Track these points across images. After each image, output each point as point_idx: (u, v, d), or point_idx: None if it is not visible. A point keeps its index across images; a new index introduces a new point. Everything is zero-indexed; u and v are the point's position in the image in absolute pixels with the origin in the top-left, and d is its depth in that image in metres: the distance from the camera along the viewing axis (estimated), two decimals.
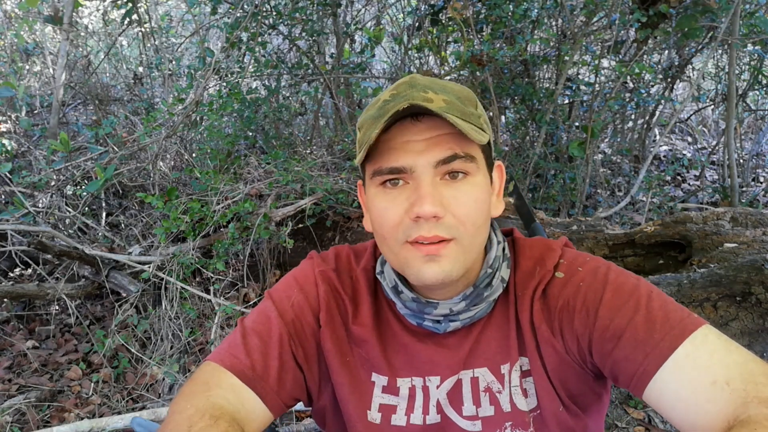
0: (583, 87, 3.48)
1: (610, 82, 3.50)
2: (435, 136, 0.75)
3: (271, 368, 0.83)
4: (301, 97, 4.17)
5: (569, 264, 0.84)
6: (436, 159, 0.75)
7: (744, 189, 3.43)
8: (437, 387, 0.85)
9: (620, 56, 3.66)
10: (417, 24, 3.98)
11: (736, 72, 3.36)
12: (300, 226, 2.91)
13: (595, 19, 3.60)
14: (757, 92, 3.69)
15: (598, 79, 3.44)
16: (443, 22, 3.80)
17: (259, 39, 3.60)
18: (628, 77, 3.50)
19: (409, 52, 4.08)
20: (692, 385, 0.68)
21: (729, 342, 0.71)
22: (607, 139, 3.73)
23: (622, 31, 3.63)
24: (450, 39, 4.01)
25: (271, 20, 3.66)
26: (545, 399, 0.82)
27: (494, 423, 0.83)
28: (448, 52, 3.92)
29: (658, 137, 3.84)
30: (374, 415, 0.86)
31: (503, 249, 0.87)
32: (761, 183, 3.60)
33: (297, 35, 3.98)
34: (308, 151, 3.68)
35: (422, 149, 0.75)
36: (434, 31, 3.85)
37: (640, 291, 0.76)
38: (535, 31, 3.77)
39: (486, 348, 0.85)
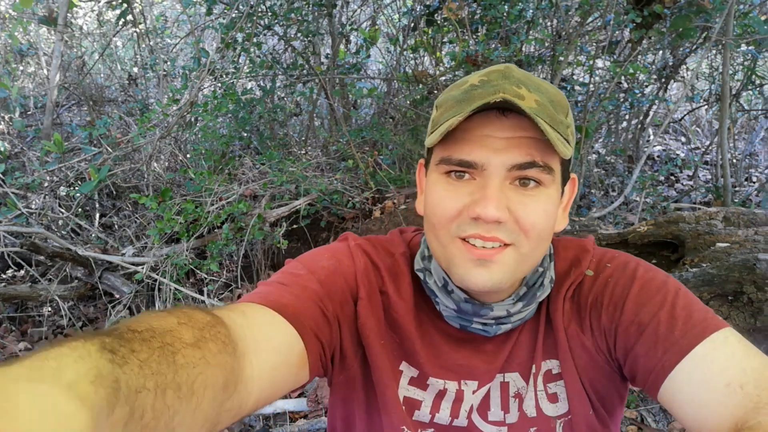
0: (577, 87, 3.49)
1: (605, 83, 3.51)
2: (517, 137, 0.69)
3: (308, 309, 0.73)
4: (296, 97, 4.17)
5: (598, 261, 0.82)
6: (513, 162, 0.69)
7: (737, 189, 3.44)
8: (473, 392, 0.82)
9: (615, 56, 3.66)
10: (412, 24, 3.98)
11: (730, 72, 3.37)
12: (294, 226, 2.91)
13: (590, 20, 3.60)
14: (751, 92, 3.70)
15: (592, 79, 3.45)
16: (438, 22, 3.81)
17: (254, 40, 3.60)
18: (623, 77, 3.51)
19: (405, 53, 4.08)
20: (706, 385, 0.66)
21: (749, 347, 0.69)
22: (601, 140, 3.73)
23: (617, 32, 3.63)
24: (445, 39, 4.00)
25: (266, 21, 3.66)
26: (576, 402, 0.80)
27: (519, 428, 0.81)
28: (443, 52, 3.92)
29: (651, 137, 3.85)
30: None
31: (548, 248, 0.83)
32: (754, 183, 3.62)
33: (292, 36, 3.98)
34: (303, 152, 3.68)
35: (500, 148, 0.69)
36: (429, 32, 3.85)
37: (667, 287, 0.75)
38: (530, 32, 3.77)
39: (519, 352, 0.82)
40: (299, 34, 3.92)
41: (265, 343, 0.65)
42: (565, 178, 0.78)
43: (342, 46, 4.28)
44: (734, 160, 3.61)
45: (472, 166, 0.70)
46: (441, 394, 0.81)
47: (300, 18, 3.79)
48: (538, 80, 0.74)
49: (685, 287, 0.77)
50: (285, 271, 0.80)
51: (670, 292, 0.74)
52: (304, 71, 3.95)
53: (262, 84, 4.16)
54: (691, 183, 3.77)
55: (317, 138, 4.04)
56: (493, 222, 0.69)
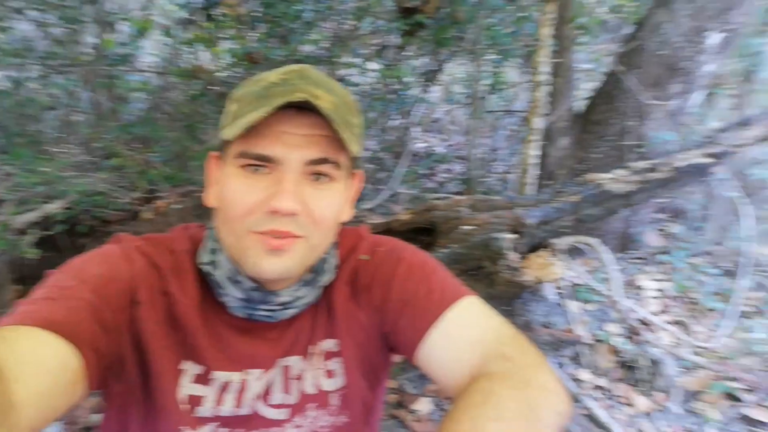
0: (352, 88, 3.69)
1: (377, 84, 3.78)
2: (313, 134, 0.74)
3: (83, 321, 0.69)
4: (54, 90, 3.70)
5: (372, 247, 0.92)
6: (308, 158, 0.74)
7: (483, 180, 4.01)
8: (257, 380, 0.84)
9: (385, 60, 3.96)
10: (190, 17, 3.83)
11: (479, 78, 3.88)
12: (47, 233, 2.60)
13: (364, 25, 3.82)
14: (496, 95, 4.32)
15: (365, 80, 3.68)
16: (216, 17, 3.71)
17: (1, 24, 3.12)
18: (391, 79, 3.82)
19: (181, 46, 3.89)
20: (453, 345, 0.78)
21: (489, 310, 0.83)
22: (376, 137, 4.03)
23: (387, 37, 3.93)
24: (224, 35, 3.91)
25: (17, 3, 3.19)
26: (352, 376, 0.87)
27: (299, 407, 0.86)
28: (222, 48, 3.83)
29: (414, 135, 4.29)
30: (182, 407, 0.81)
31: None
32: (496, 174, 4.26)
33: (50, 22, 3.53)
34: (60, 150, 3.28)
35: (297, 144, 0.74)
36: (208, 26, 3.73)
37: (426, 267, 0.88)
38: (309, 33, 3.87)
39: (301, 336, 0.87)
40: (60, 20, 3.48)
41: (33, 366, 0.62)
42: (352, 174, 0.86)
43: (109, 35, 3.91)
44: (482, 155, 4.18)
45: (270, 160, 0.74)
46: (225, 387, 0.83)
47: (59, 2, 3.37)
48: (332, 82, 0.80)
49: (443, 267, 0.90)
50: (50, 284, 0.74)
51: (428, 272, 0.87)
52: (65, 61, 3.53)
53: (12, 75, 3.60)
54: (448, 175, 4.29)
55: (78, 134, 3.64)
56: (289, 214, 0.73)
